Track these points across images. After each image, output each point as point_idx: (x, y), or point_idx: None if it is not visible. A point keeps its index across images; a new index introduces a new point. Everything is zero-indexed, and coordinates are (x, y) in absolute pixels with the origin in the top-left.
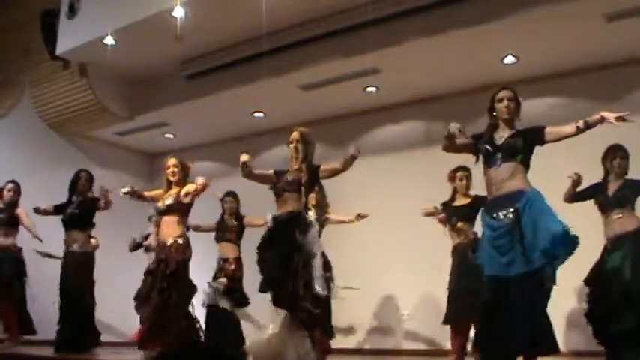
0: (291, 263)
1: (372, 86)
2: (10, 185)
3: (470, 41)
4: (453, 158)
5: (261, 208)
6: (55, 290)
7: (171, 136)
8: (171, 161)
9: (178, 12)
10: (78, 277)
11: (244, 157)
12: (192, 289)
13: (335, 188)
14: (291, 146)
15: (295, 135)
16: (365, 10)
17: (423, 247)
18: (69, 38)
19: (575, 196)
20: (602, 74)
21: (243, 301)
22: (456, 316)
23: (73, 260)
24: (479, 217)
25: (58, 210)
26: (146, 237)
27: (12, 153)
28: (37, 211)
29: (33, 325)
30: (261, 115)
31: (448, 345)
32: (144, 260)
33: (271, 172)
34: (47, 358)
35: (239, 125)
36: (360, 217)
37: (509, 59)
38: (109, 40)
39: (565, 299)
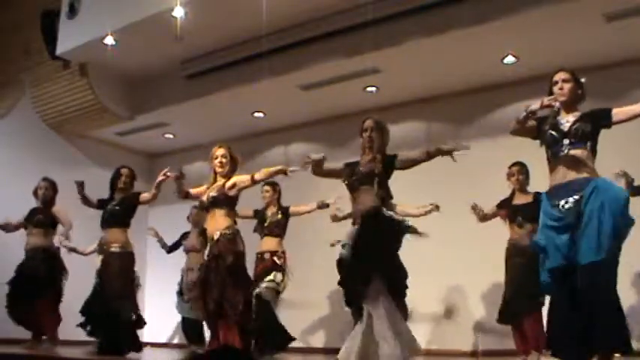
0: (382, 256)
1: (372, 86)
2: (43, 183)
3: (470, 41)
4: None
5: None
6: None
7: (171, 136)
8: (220, 151)
9: (178, 12)
10: (119, 280)
11: (316, 156)
12: (249, 285)
13: (334, 189)
14: (365, 135)
15: (369, 123)
16: (365, 10)
17: (426, 247)
18: (69, 38)
19: (636, 190)
20: (602, 74)
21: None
22: (514, 314)
23: (113, 261)
24: None
25: (100, 204)
26: (184, 236)
27: (12, 153)
28: (86, 200)
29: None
30: (261, 115)
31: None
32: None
33: (341, 165)
34: None
35: (239, 125)
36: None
37: (509, 59)
38: (109, 40)
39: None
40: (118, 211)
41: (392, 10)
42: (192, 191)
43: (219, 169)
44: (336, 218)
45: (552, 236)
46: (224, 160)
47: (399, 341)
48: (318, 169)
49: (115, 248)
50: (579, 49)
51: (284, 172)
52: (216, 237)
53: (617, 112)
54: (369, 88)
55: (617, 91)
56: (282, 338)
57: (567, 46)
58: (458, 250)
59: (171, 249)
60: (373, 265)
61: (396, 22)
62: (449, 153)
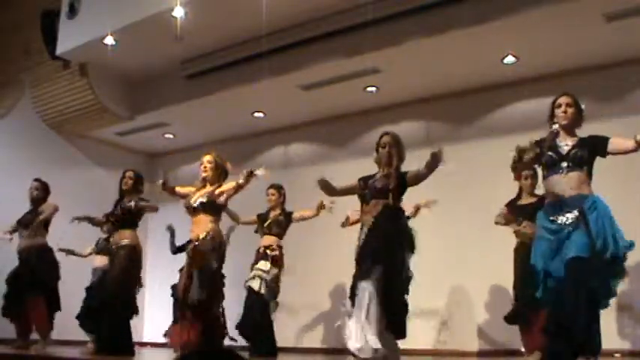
0: (391, 258)
1: (372, 86)
2: (34, 183)
3: (470, 41)
4: (453, 160)
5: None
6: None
7: (171, 136)
8: (206, 157)
9: (178, 12)
10: (124, 271)
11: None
12: (220, 287)
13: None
14: (384, 151)
15: (387, 139)
16: (365, 10)
17: (430, 248)
18: (69, 38)
19: None
20: (602, 74)
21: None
22: (524, 316)
23: (121, 254)
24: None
25: (107, 217)
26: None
27: (12, 153)
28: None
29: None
30: (261, 115)
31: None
32: None
33: (355, 182)
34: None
35: (239, 125)
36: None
37: (509, 59)
38: (109, 40)
39: None
40: (126, 216)
41: (392, 10)
42: (179, 190)
43: (203, 174)
44: (345, 223)
45: (548, 248)
46: (208, 166)
47: (375, 336)
48: (332, 192)
49: (124, 242)
50: (579, 49)
51: (253, 175)
52: (200, 238)
53: (612, 143)
54: (369, 88)
55: (617, 91)
56: (269, 347)
57: (567, 46)
58: (462, 250)
59: (176, 251)
60: (377, 256)
61: (396, 22)
62: (436, 159)
